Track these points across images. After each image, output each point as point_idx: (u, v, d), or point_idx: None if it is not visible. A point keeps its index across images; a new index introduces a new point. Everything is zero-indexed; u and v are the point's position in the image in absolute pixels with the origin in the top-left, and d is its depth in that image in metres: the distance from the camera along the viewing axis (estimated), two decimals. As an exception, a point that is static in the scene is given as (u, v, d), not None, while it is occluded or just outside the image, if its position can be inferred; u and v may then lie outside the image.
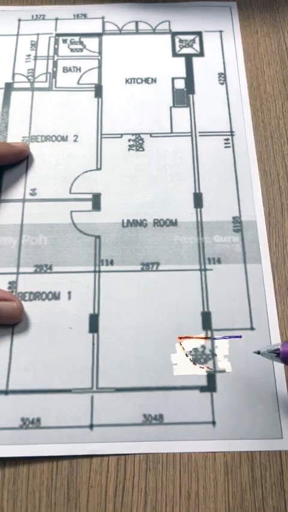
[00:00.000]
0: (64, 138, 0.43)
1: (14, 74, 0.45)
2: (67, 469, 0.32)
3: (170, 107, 0.44)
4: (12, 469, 0.33)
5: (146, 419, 0.34)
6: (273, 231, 0.39)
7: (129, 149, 0.42)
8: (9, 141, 0.42)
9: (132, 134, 0.43)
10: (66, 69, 0.46)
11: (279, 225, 0.40)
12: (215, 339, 0.36)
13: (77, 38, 0.47)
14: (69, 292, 0.37)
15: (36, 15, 0.48)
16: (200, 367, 0.35)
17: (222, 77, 0.45)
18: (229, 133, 0.43)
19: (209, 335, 0.36)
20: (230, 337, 0.36)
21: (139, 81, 0.45)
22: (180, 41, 0.47)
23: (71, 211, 0.40)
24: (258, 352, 0.33)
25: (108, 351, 0.35)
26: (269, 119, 0.44)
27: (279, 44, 0.47)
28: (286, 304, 0.37)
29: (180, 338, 0.36)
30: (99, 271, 0.38)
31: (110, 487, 0.32)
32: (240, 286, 0.37)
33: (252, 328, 0.36)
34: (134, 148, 0.42)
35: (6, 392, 0.34)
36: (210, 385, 0.34)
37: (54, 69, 0.46)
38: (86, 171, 0.41)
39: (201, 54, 0.47)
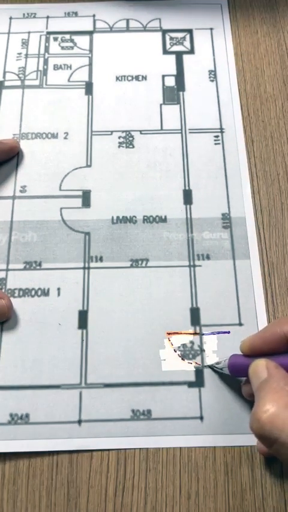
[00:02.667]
0: (54, 136, 0.43)
1: (5, 72, 0.46)
2: (67, 469, 0.33)
3: (160, 104, 0.44)
4: (12, 469, 0.33)
5: (134, 415, 0.34)
6: (273, 231, 0.39)
7: (119, 146, 0.42)
8: (0, 138, 0.42)
9: (122, 131, 0.43)
10: (57, 67, 0.46)
11: (279, 225, 0.40)
12: (203, 334, 0.36)
13: (67, 36, 0.47)
14: (58, 289, 0.37)
15: (27, 14, 0.48)
16: (189, 362, 0.35)
17: (213, 74, 0.46)
18: (219, 131, 0.43)
19: (198, 331, 0.36)
20: (218, 332, 0.36)
21: (129, 78, 0.46)
22: (171, 38, 0.47)
23: (61, 208, 0.40)
24: (210, 366, 0.34)
25: (97, 347, 0.35)
26: (269, 119, 0.44)
27: (279, 44, 0.47)
28: (286, 302, 0.37)
29: (169, 334, 0.36)
30: (89, 268, 0.38)
31: (110, 487, 0.32)
32: (229, 282, 0.37)
33: (240, 324, 0.36)
34: (124, 145, 0.43)
35: (-5, 388, 0.34)
36: (198, 381, 0.34)
37: (45, 66, 0.46)
38: (76, 168, 0.42)
39: (191, 51, 0.47)
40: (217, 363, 0.34)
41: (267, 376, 0.27)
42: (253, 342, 0.30)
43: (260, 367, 0.28)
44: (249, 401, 0.34)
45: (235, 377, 0.33)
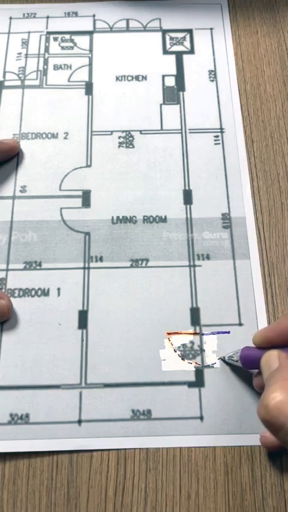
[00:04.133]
0: (54, 136, 0.43)
1: (5, 72, 0.46)
2: (67, 469, 0.33)
3: (160, 104, 0.44)
4: (12, 469, 0.33)
5: (134, 415, 0.34)
6: (273, 231, 0.39)
7: (119, 146, 0.42)
8: (0, 138, 0.42)
9: (122, 131, 0.43)
10: (57, 67, 0.46)
11: (279, 225, 0.40)
12: (203, 334, 0.36)
13: (67, 36, 0.47)
14: (58, 289, 0.37)
15: (28, 14, 0.48)
16: (189, 362, 0.35)
17: (213, 74, 0.46)
18: (219, 131, 0.43)
19: (198, 331, 0.36)
20: (218, 332, 0.36)
21: (129, 78, 0.46)
22: (171, 38, 0.47)
23: (61, 208, 0.40)
24: (221, 359, 0.35)
25: (97, 347, 0.35)
26: (269, 119, 0.44)
27: (279, 44, 0.47)
28: (286, 302, 0.37)
29: (169, 334, 0.36)
30: (89, 268, 0.38)
31: (110, 487, 0.32)
32: (229, 282, 0.37)
33: (240, 324, 0.36)
34: (124, 145, 0.43)
35: (-5, 388, 0.34)
36: (198, 381, 0.34)
37: (45, 66, 0.46)
38: (76, 168, 0.42)
39: (191, 51, 0.47)
40: (229, 356, 0.34)
41: (278, 366, 0.28)
42: (266, 334, 0.31)
43: (272, 357, 0.29)
44: (250, 401, 0.34)
45: (247, 369, 0.33)
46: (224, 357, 0.35)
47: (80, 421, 0.33)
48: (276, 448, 0.32)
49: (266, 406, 0.25)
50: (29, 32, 0.47)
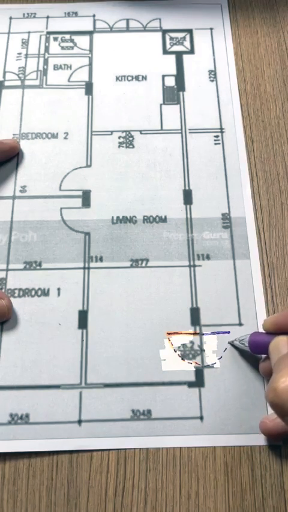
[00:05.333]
0: (54, 136, 0.43)
1: (5, 72, 0.46)
2: (67, 469, 0.33)
3: (160, 104, 0.44)
4: (12, 469, 0.33)
5: (134, 415, 0.34)
6: (273, 231, 0.39)
7: (119, 146, 0.42)
8: (0, 138, 0.42)
9: (122, 131, 0.43)
10: (57, 67, 0.46)
11: (279, 225, 0.40)
12: (203, 334, 0.36)
13: (67, 36, 0.47)
14: (58, 289, 0.37)
15: (28, 14, 0.48)
16: (188, 362, 0.35)
17: (213, 74, 0.46)
18: (219, 131, 0.43)
19: (198, 331, 0.36)
20: (218, 332, 0.36)
21: (129, 78, 0.46)
22: (171, 38, 0.47)
23: (61, 208, 0.40)
24: (230, 343, 0.35)
25: (97, 347, 0.35)
26: (269, 119, 0.44)
27: (279, 44, 0.47)
28: (286, 302, 0.37)
29: (169, 334, 0.36)
30: (89, 268, 0.38)
31: (110, 487, 0.32)
32: (229, 282, 0.37)
33: (240, 324, 0.36)
34: (124, 145, 0.43)
35: (-5, 388, 0.34)
36: (198, 381, 0.34)
37: (45, 66, 0.46)
38: (76, 168, 0.42)
39: (191, 51, 0.47)
40: (241, 340, 0.34)
41: None
42: (277, 319, 0.31)
43: (282, 343, 0.29)
44: (250, 401, 0.34)
45: (254, 353, 0.33)
46: (232, 341, 0.35)
47: (80, 421, 0.33)
48: (275, 435, 0.32)
49: (275, 389, 0.25)
50: (29, 32, 0.47)
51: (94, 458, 0.33)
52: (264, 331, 0.32)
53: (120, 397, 0.34)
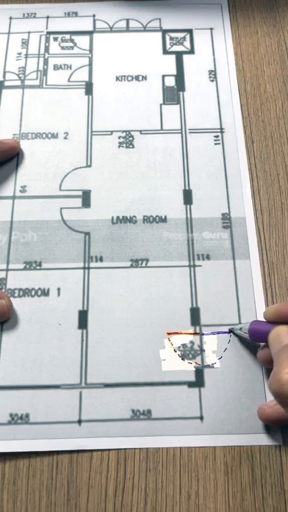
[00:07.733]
0: (54, 136, 0.43)
1: (5, 72, 0.46)
2: (67, 469, 0.33)
3: (160, 104, 0.44)
4: (12, 469, 0.33)
5: (134, 415, 0.34)
6: (273, 231, 0.39)
7: (119, 146, 0.42)
8: (0, 138, 0.42)
9: (122, 131, 0.43)
10: (57, 67, 0.46)
11: (279, 225, 0.40)
12: (203, 334, 0.36)
13: (67, 36, 0.47)
14: (58, 289, 0.37)
15: (28, 14, 0.48)
16: (188, 362, 0.35)
17: (213, 74, 0.46)
18: (219, 131, 0.43)
19: (198, 331, 0.36)
20: (218, 332, 0.36)
21: (129, 78, 0.46)
22: (171, 38, 0.47)
23: (61, 208, 0.40)
24: (231, 331, 0.35)
25: (97, 347, 0.35)
26: (269, 119, 0.44)
27: (279, 44, 0.47)
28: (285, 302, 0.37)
29: (169, 334, 0.36)
30: (89, 268, 0.38)
31: (110, 487, 0.32)
32: (229, 282, 0.37)
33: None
34: (124, 145, 0.43)
35: (-5, 388, 0.34)
36: (198, 381, 0.34)
37: (45, 66, 0.46)
38: (76, 168, 0.42)
39: (191, 51, 0.47)
40: (241, 327, 0.34)
41: None
42: (279, 308, 0.32)
43: (283, 333, 0.29)
44: (250, 401, 0.34)
45: (254, 341, 0.34)
46: (232, 328, 0.35)
47: (80, 421, 0.33)
48: (274, 421, 0.32)
49: (279, 379, 0.25)
50: (29, 32, 0.47)
51: (94, 458, 0.33)
52: (264, 320, 0.33)
53: (120, 397, 0.34)
